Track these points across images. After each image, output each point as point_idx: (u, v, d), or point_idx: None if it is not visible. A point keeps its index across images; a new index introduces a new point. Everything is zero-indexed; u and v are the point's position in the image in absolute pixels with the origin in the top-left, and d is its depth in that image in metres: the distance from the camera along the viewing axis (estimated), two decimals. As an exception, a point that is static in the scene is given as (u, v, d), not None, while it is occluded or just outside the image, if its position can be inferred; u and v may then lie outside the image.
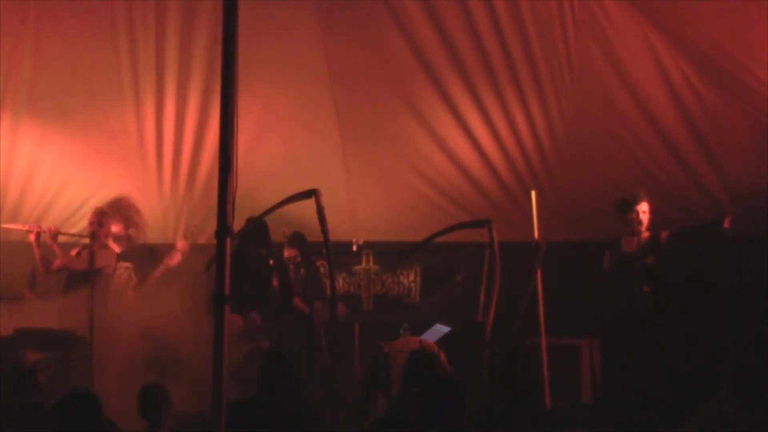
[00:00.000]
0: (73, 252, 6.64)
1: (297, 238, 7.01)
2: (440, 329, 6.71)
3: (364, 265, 7.79)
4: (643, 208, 6.06)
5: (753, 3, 5.84)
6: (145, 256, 6.91)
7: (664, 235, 6.04)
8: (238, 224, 3.55)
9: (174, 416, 4.36)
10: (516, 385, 3.77)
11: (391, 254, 7.76)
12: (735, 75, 6.23)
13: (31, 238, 6.44)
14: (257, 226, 6.51)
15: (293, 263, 6.99)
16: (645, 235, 6.09)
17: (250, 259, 6.46)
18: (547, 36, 6.55)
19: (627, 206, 6.07)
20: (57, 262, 6.58)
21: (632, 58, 6.47)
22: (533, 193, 6.50)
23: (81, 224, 7.37)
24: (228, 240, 3.18)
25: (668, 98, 6.59)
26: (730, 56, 6.13)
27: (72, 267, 6.50)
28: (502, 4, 6.43)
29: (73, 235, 6.99)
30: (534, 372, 4.04)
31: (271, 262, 6.83)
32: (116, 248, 6.67)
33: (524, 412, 3.70)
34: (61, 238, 6.71)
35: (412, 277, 7.91)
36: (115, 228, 6.75)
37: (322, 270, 7.19)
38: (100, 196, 7.38)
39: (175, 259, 6.77)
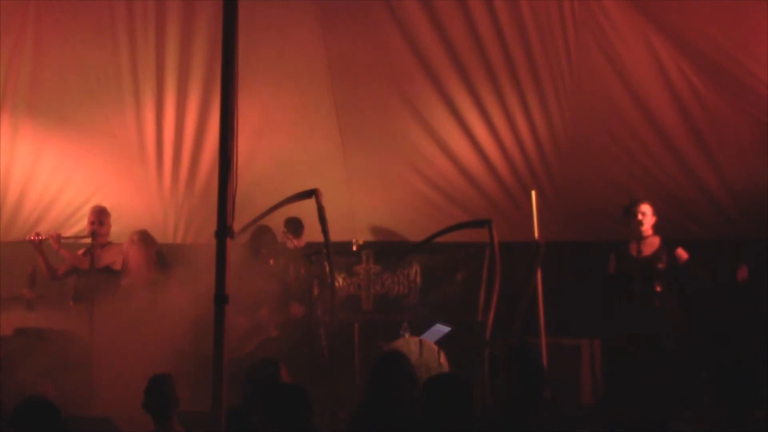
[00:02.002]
0: (80, 252, 6.64)
1: (294, 224, 6.99)
2: (440, 329, 6.72)
3: (364, 265, 7.79)
4: (643, 210, 6.09)
5: (753, 3, 5.84)
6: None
7: (682, 254, 6.04)
8: (237, 224, 3.54)
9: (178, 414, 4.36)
10: (525, 380, 3.77)
11: (392, 253, 7.76)
12: (735, 75, 6.23)
13: (36, 247, 6.44)
14: (261, 231, 6.55)
15: (293, 261, 6.96)
16: (654, 239, 6.10)
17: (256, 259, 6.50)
18: (547, 36, 6.54)
19: (627, 212, 6.11)
20: (65, 265, 6.58)
21: (632, 58, 6.47)
22: (533, 193, 6.51)
23: (81, 224, 7.39)
24: (228, 240, 3.18)
25: (668, 98, 6.59)
26: (730, 56, 6.13)
27: (80, 266, 6.51)
28: (502, 4, 6.42)
29: (71, 237, 6.99)
30: (540, 366, 4.03)
31: (271, 261, 6.83)
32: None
33: (535, 408, 3.69)
34: (64, 241, 6.73)
35: (412, 277, 7.91)
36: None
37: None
38: (100, 196, 7.40)
39: None
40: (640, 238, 6.10)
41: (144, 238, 6.67)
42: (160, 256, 6.91)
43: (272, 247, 6.75)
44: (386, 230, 7.84)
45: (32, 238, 6.51)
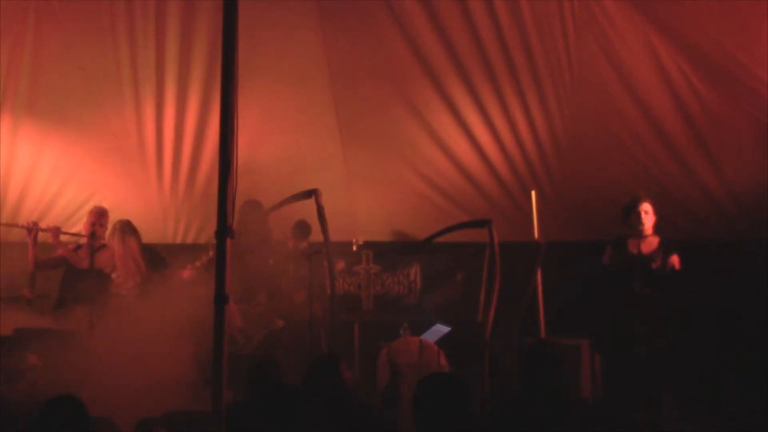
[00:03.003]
0: (80, 253, 6.63)
1: (303, 228, 6.95)
2: (440, 329, 6.72)
3: (364, 265, 7.79)
4: (645, 208, 6.08)
5: (753, 3, 5.84)
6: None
7: (675, 262, 6.02)
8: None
9: None
10: (545, 377, 3.75)
11: (392, 254, 7.76)
12: (735, 75, 6.23)
13: (29, 236, 6.43)
14: (254, 208, 6.50)
15: (293, 261, 6.94)
16: (654, 239, 6.09)
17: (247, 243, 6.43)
18: (547, 36, 6.54)
19: (629, 209, 6.10)
20: (57, 252, 6.57)
21: (632, 58, 6.47)
22: (533, 193, 6.51)
23: (81, 224, 7.39)
24: (228, 240, 3.19)
25: (668, 98, 6.59)
26: (730, 56, 6.13)
27: (72, 261, 6.49)
28: (502, 4, 6.43)
29: (73, 234, 6.99)
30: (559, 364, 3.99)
31: (271, 261, 6.81)
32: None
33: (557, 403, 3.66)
34: (62, 238, 6.72)
35: (412, 277, 7.91)
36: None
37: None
38: (100, 196, 7.40)
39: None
40: (640, 236, 6.08)
41: (123, 227, 6.59)
42: (151, 252, 6.88)
43: (259, 224, 6.65)
44: (386, 230, 7.84)
45: (28, 225, 6.50)
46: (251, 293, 6.43)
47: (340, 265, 7.01)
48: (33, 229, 6.46)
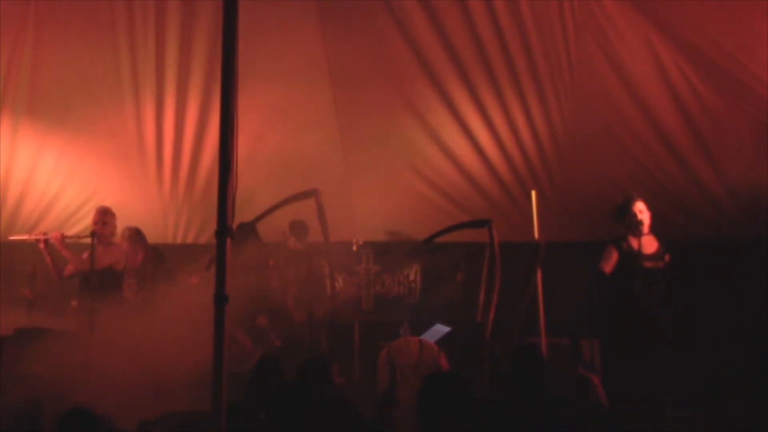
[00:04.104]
0: (85, 255, 6.62)
1: (299, 228, 6.95)
2: (440, 329, 6.72)
3: (364, 265, 7.78)
4: (639, 207, 6.07)
5: (753, 3, 5.84)
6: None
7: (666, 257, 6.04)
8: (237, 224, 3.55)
9: None
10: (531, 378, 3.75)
11: (391, 253, 7.76)
12: (735, 75, 6.24)
13: (41, 246, 6.40)
14: (246, 230, 6.51)
15: (293, 262, 6.94)
16: (651, 238, 6.08)
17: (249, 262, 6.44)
18: (547, 36, 6.55)
19: (624, 210, 6.08)
20: (69, 268, 6.55)
21: (632, 58, 6.48)
22: (533, 193, 6.50)
23: (81, 224, 7.40)
24: (228, 240, 3.19)
25: (668, 98, 6.60)
26: (730, 56, 6.14)
27: (82, 268, 6.46)
28: (502, 4, 6.43)
29: (72, 237, 6.97)
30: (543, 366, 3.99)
31: (271, 262, 6.82)
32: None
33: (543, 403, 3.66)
34: (67, 241, 6.71)
35: (412, 277, 7.91)
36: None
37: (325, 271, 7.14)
38: (100, 197, 7.40)
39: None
40: (640, 234, 6.07)
41: (132, 234, 6.67)
42: (157, 253, 6.89)
43: (255, 245, 6.66)
44: (386, 230, 7.84)
45: (40, 237, 6.47)
46: (252, 315, 6.42)
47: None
48: (41, 239, 6.41)
